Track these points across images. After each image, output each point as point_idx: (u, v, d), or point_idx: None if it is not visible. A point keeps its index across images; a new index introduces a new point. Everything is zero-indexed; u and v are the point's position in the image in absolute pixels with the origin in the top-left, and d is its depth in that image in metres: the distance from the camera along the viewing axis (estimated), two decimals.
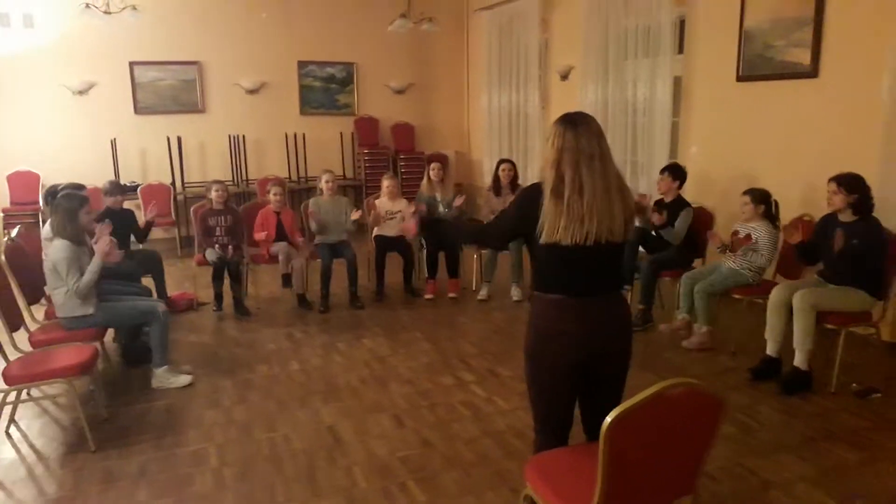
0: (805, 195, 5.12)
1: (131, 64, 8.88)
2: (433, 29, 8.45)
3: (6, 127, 8.44)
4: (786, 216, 4.85)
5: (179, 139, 8.94)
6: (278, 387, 4.27)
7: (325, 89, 9.84)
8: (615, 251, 2.35)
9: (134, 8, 7.27)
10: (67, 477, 3.24)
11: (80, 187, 4.63)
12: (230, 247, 5.80)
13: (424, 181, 6.45)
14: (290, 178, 9.54)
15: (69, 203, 3.95)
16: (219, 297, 5.78)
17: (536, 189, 2.38)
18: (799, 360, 4.07)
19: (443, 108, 10.52)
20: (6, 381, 3.39)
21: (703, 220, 5.37)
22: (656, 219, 5.21)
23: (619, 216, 2.30)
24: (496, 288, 6.27)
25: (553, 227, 2.27)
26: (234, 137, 9.22)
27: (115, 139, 8.70)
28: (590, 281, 2.36)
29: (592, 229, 2.26)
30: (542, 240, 2.31)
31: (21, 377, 3.38)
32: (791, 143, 5.36)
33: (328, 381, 4.34)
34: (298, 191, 9.36)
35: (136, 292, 4.54)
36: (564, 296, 2.38)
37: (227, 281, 5.73)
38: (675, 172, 5.39)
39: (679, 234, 5.24)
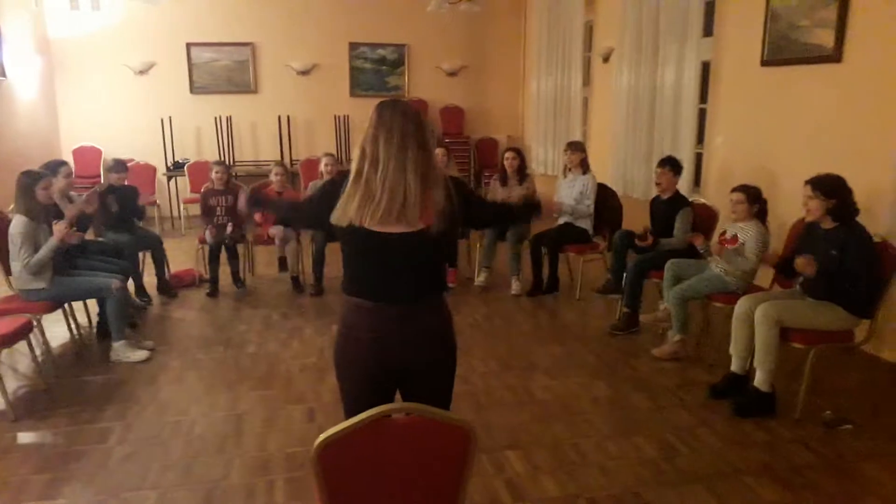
0: None
1: (188, 45, 9.23)
2: (474, 9, 8.18)
3: (73, 104, 9.03)
4: (793, 216, 4.32)
5: (230, 118, 9.24)
6: (219, 369, 4.31)
7: (375, 71, 9.83)
8: (419, 248, 2.11)
9: None
10: None
11: (62, 163, 4.82)
12: (229, 226, 5.91)
13: None
14: (338, 158, 9.62)
15: (26, 179, 4.12)
16: (214, 281, 5.88)
17: (345, 178, 2.21)
18: (759, 380, 3.63)
19: (496, 91, 10.23)
20: None
21: (705, 218, 4.91)
22: (643, 244, 4.83)
23: (415, 197, 2.06)
24: (498, 277, 6.03)
25: (346, 204, 2.09)
26: (282, 118, 9.40)
27: (170, 117, 9.09)
28: (389, 284, 2.15)
29: (382, 206, 2.04)
30: (333, 219, 2.13)
31: None
32: (811, 135, 4.78)
33: (270, 368, 4.33)
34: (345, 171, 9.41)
35: (104, 268, 4.68)
36: (360, 299, 2.19)
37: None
38: (676, 166, 4.95)
39: (681, 239, 4.80)
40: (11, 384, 4.08)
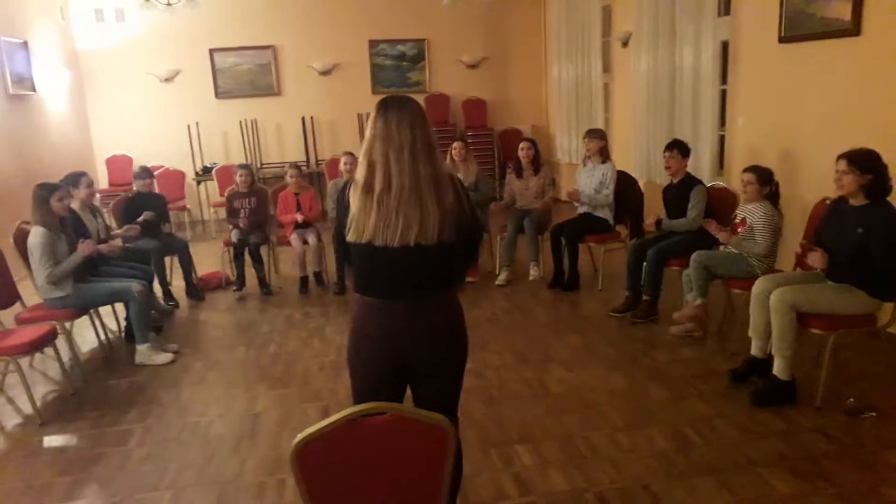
0: None
1: (211, 51, 9.38)
2: (488, 0, 8.12)
3: (103, 114, 9.27)
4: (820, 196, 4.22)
5: (255, 122, 9.37)
6: (240, 370, 4.38)
7: (396, 67, 9.85)
8: (433, 253, 2.11)
9: None
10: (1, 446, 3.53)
11: (82, 174, 4.94)
12: (252, 228, 6.00)
13: (447, 161, 6.27)
14: None
15: (42, 192, 4.24)
16: (240, 278, 6.00)
17: (346, 185, 2.22)
18: (778, 368, 3.54)
19: (519, 81, 10.17)
20: None
21: (722, 200, 4.81)
22: (650, 226, 4.87)
23: (433, 217, 2.06)
24: (520, 271, 6.00)
25: (361, 224, 2.09)
26: (306, 118, 9.49)
27: (197, 123, 9.26)
28: (399, 283, 2.16)
29: (398, 231, 2.06)
30: (349, 237, 2.14)
31: None
32: (832, 112, 4.63)
33: (288, 367, 4.39)
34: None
35: (128, 274, 4.79)
36: (373, 298, 2.21)
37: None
38: (683, 148, 4.87)
39: (694, 219, 4.73)
40: (42, 389, 4.22)
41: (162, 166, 8.88)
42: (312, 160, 9.57)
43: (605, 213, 5.70)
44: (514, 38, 10.04)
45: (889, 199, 3.38)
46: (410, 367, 2.22)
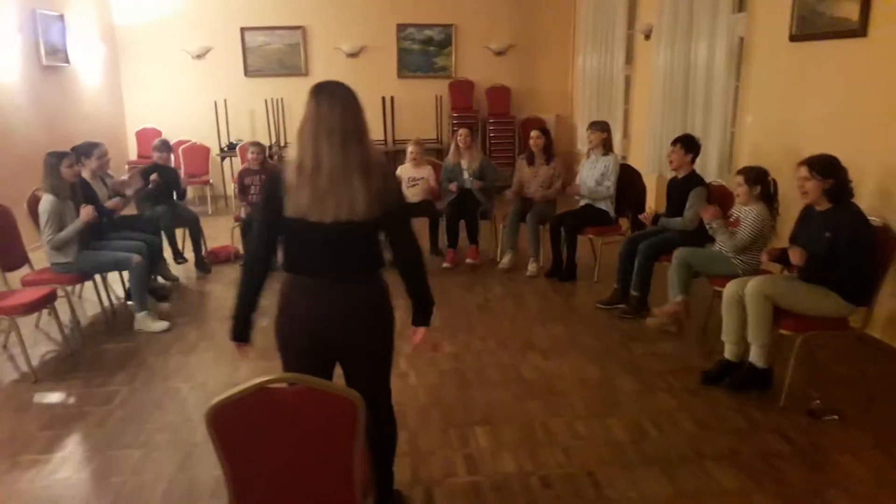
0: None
1: (242, 29, 9.56)
2: None
3: (136, 88, 9.55)
4: None
5: (282, 101, 9.54)
6: (222, 343, 4.48)
7: (422, 52, 9.89)
8: (361, 232, 2.21)
9: None
10: None
11: (95, 145, 5.13)
12: None
13: (452, 148, 6.33)
14: (384, 140, 9.79)
15: (51, 159, 4.43)
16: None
17: (280, 171, 2.31)
18: (754, 355, 3.56)
19: (545, 70, 10.11)
20: None
21: (721, 200, 4.77)
22: (646, 219, 4.84)
23: (362, 196, 2.15)
24: (524, 258, 6.03)
25: (295, 200, 2.18)
26: None
27: (225, 100, 9.47)
28: (326, 262, 2.26)
29: (331, 208, 2.16)
30: (288, 212, 2.23)
31: None
32: (837, 114, 4.55)
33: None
34: (386, 153, 9.58)
35: (132, 247, 4.96)
36: (299, 276, 2.31)
37: None
38: (689, 145, 4.84)
39: (690, 220, 4.71)
40: (43, 349, 4.45)
41: (188, 141, 9.13)
42: None
43: (606, 206, 5.70)
44: (543, 27, 9.98)
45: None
46: (335, 344, 2.31)
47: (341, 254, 2.24)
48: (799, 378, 3.61)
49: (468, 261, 6.06)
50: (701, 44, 6.01)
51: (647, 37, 7.43)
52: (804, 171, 3.43)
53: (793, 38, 4.93)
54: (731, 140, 5.92)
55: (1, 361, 4.26)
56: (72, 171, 4.49)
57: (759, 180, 4.06)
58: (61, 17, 7.68)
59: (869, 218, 3.46)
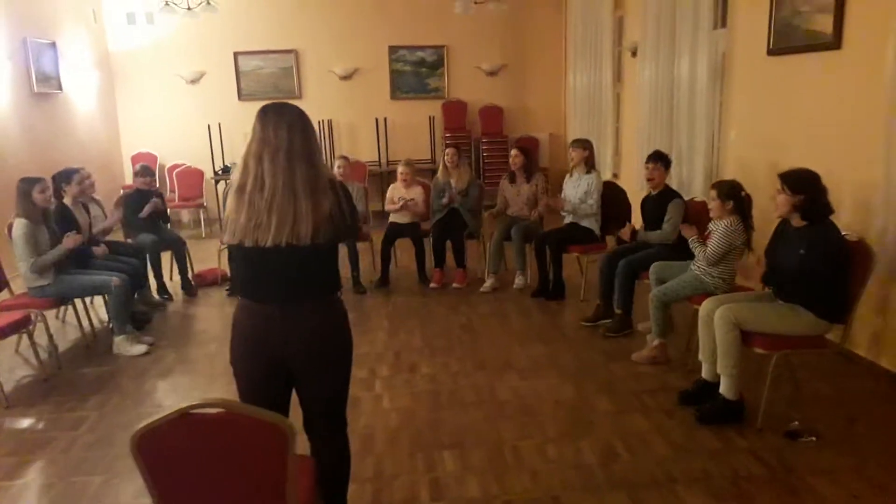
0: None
1: (235, 54, 9.64)
2: (501, 8, 8.16)
3: (131, 113, 9.64)
4: None
5: None
6: (207, 365, 4.52)
7: (415, 73, 9.94)
8: (306, 255, 2.17)
9: (208, 2, 7.85)
10: None
11: (75, 171, 5.14)
12: None
13: (441, 167, 6.31)
14: (378, 161, 9.81)
15: (24, 185, 4.44)
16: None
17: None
18: (724, 387, 3.47)
19: (537, 89, 10.13)
20: None
21: (704, 216, 4.71)
22: (625, 234, 4.77)
23: (306, 219, 2.12)
24: (509, 277, 5.99)
25: (234, 224, 2.17)
26: (322, 122, 9.66)
27: (219, 123, 9.52)
28: (272, 286, 2.22)
29: (270, 230, 2.12)
30: (226, 239, 2.23)
31: None
32: (815, 127, 4.51)
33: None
34: (380, 174, 9.60)
35: (115, 268, 4.96)
36: (248, 300, 2.28)
37: None
38: (665, 160, 4.82)
39: (670, 232, 4.67)
40: (20, 373, 4.44)
41: (182, 164, 9.18)
42: (329, 163, 9.71)
43: (591, 223, 5.65)
44: (535, 46, 10.01)
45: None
46: (287, 366, 2.27)
47: (286, 278, 2.20)
48: (778, 397, 3.55)
49: (454, 285, 6.02)
50: (683, 60, 6.00)
51: (634, 54, 7.44)
52: (778, 184, 3.38)
53: (771, 52, 4.91)
54: (717, 155, 5.88)
55: None
56: (43, 197, 4.49)
57: (732, 194, 4.00)
58: (53, 44, 7.76)
59: (845, 234, 3.42)
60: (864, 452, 3.17)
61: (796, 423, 3.39)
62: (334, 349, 2.32)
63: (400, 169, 6.32)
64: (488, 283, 5.95)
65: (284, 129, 2.14)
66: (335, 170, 6.22)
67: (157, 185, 6.49)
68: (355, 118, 9.90)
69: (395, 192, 6.29)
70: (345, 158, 6.30)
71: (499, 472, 3.10)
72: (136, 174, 6.14)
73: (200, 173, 9.23)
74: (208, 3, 7.87)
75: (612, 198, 5.74)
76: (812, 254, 3.26)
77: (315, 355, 2.27)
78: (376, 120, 9.79)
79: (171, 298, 5.94)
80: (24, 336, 4.52)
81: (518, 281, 5.84)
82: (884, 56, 3.79)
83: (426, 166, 9.43)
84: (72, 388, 4.19)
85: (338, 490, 2.48)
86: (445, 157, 6.21)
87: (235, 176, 2.17)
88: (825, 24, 4.32)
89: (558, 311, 5.42)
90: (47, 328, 4.55)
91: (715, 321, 3.43)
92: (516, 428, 3.51)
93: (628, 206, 5.77)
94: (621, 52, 7.91)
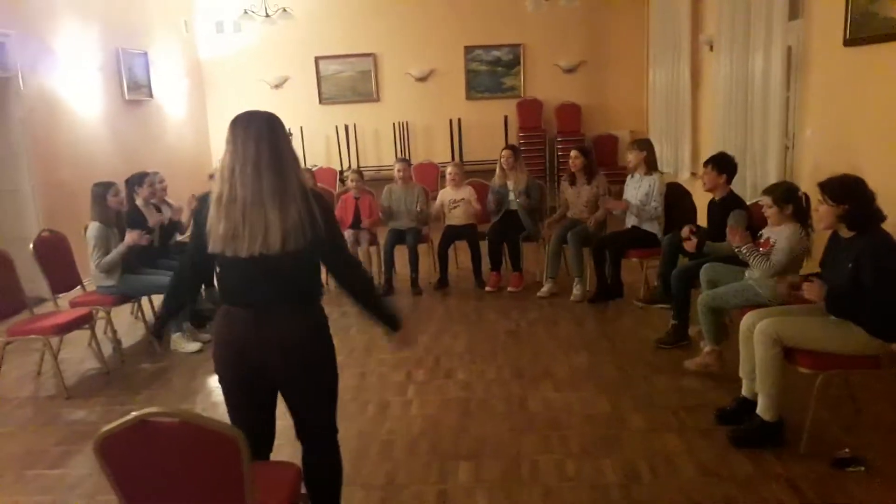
0: None
1: (316, 59, 9.91)
2: (573, 4, 7.95)
3: (219, 118, 10.04)
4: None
5: (349, 127, 9.82)
6: None
7: (490, 73, 9.88)
8: (279, 263, 2.20)
9: (284, 10, 8.10)
10: (26, 413, 4.02)
11: (146, 175, 5.41)
12: None
13: (497, 169, 6.22)
14: (454, 160, 9.80)
15: (98, 189, 4.74)
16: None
17: (207, 196, 2.34)
18: (762, 407, 3.22)
19: (618, 85, 9.81)
20: (8, 332, 4.27)
21: (761, 222, 4.40)
22: (688, 245, 4.39)
23: (276, 228, 2.15)
24: (570, 284, 5.81)
25: (214, 234, 2.23)
26: (398, 124, 9.76)
27: (301, 127, 9.81)
28: (249, 293, 2.27)
29: (246, 241, 2.17)
30: (209, 248, 2.28)
31: (13, 331, 4.23)
32: (890, 127, 4.11)
33: None
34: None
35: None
36: (229, 306, 2.33)
37: None
38: (721, 165, 4.53)
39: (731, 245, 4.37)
40: (85, 366, 4.73)
41: None
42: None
43: (654, 227, 5.41)
44: (616, 41, 9.71)
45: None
46: (266, 376, 2.29)
47: (262, 286, 2.23)
48: (834, 421, 3.28)
49: (509, 289, 5.93)
50: (758, 54, 5.62)
51: (712, 48, 7.05)
52: (819, 194, 3.11)
53: (847, 43, 4.51)
54: (791, 155, 5.47)
55: (45, 378, 4.55)
56: (117, 200, 4.77)
57: (790, 198, 3.71)
58: (145, 54, 8.24)
59: None
60: None
61: (847, 450, 3.09)
62: (312, 356, 2.32)
63: (448, 170, 6.30)
64: (545, 288, 5.81)
65: (252, 140, 2.18)
66: (395, 172, 6.28)
67: None
68: (431, 119, 9.95)
69: (445, 195, 6.27)
70: (404, 161, 6.34)
71: (510, 488, 3.01)
72: (210, 177, 6.38)
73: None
74: (285, 11, 8.09)
75: (676, 200, 5.46)
76: (861, 266, 2.97)
77: (292, 362, 2.28)
78: (450, 121, 9.78)
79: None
80: (101, 331, 4.84)
81: (575, 291, 5.63)
82: None
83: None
84: (128, 382, 4.43)
85: (327, 496, 2.48)
86: (501, 159, 6.11)
87: (215, 187, 2.21)
88: None
89: (613, 318, 5.22)
90: (111, 324, 4.83)
91: (755, 337, 3.19)
92: (539, 441, 3.40)
93: (694, 210, 5.48)
94: (699, 47, 7.52)
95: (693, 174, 7.72)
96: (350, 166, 9.65)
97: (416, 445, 3.43)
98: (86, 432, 3.73)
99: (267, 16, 8.24)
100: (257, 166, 2.15)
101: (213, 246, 2.21)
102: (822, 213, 3.11)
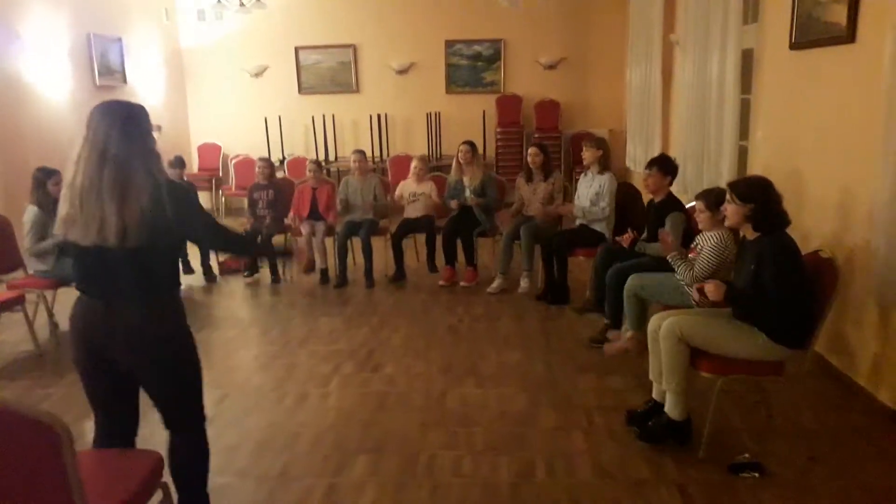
0: (842, 202, 3.86)
1: (296, 48, 9.88)
2: (548, 2, 7.88)
3: (198, 106, 10.10)
4: (819, 230, 3.89)
5: (333, 117, 9.76)
6: (213, 352, 4.63)
7: (471, 67, 9.82)
8: (120, 258, 2.17)
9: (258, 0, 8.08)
10: None
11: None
12: (268, 218, 6.32)
13: (454, 164, 6.18)
14: (431, 155, 9.76)
15: (39, 175, 4.73)
16: (252, 264, 6.33)
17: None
18: (669, 405, 3.19)
19: (598, 83, 9.74)
20: None
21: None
22: (624, 240, 4.42)
23: (113, 221, 2.12)
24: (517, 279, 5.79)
25: (60, 215, 2.22)
26: (375, 116, 9.73)
27: (279, 116, 9.80)
28: (96, 282, 2.27)
29: (80, 229, 2.16)
30: (56, 230, 2.27)
31: None
32: (830, 127, 4.05)
33: (228, 354, 4.60)
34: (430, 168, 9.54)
35: None
36: (80, 294, 2.32)
37: None
38: (667, 167, 4.47)
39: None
40: (18, 349, 4.72)
41: (239, 155, 9.55)
42: (384, 156, 9.77)
43: (602, 227, 5.36)
44: (597, 39, 9.63)
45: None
46: (117, 366, 2.28)
47: (106, 276, 2.22)
48: (747, 427, 3.27)
49: (462, 284, 5.90)
50: (713, 56, 5.56)
51: (679, 48, 6.98)
52: (727, 193, 3.08)
53: (793, 46, 4.45)
54: (744, 157, 5.41)
55: None
56: (57, 189, 4.74)
57: (721, 202, 3.66)
58: (119, 39, 8.23)
59: (818, 251, 3.05)
60: (812, 497, 2.81)
61: (746, 455, 3.07)
62: (162, 350, 2.30)
63: (413, 164, 6.26)
64: (496, 283, 5.78)
65: (103, 129, 2.16)
66: (351, 163, 6.26)
67: (187, 178, 6.73)
68: (410, 112, 9.91)
69: (406, 188, 6.24)
70: (359, 152, 6.31)
71: (401, 484, 2.99)
72: (169, 165, 6.39)
73: (253, 163, 9.51)
74: (258, 0, 8.07)
75: (627, 201, 5.42)
76: (761, 269, 2.93)
77: (141, 355, 2.27)
78: (429, 114, 9.73)
79: (192, 271, 6.30)
80: (43, 313, 4.84)
81: (522, 284, 5.63)
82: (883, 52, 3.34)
83: None
84: (58, 365, 4.42)
85: (186, 486, 2.46)
86: (459, 154, 6.07)
87: (69, 173, 2.20)
88: (840, 15, 3.85)
89: (555, 316, 5.18)
90: (47, 307, 4.83)
91: (661, 334, 3.16)
92: (445, 437, 3.38)
93: (643, 211, 5.42)
94: (670, 45, 7.44)
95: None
96: (327, 157, 9.64)
97: (322, 438, 3.41)
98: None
99: (242, 4, 8.21)
100: (103, 155, 2.13)
101: (57, 227, 2.20)
102: (729, 211, 3.09)
